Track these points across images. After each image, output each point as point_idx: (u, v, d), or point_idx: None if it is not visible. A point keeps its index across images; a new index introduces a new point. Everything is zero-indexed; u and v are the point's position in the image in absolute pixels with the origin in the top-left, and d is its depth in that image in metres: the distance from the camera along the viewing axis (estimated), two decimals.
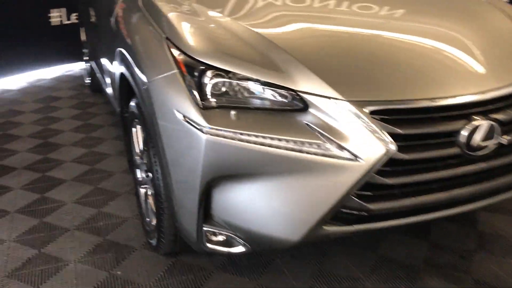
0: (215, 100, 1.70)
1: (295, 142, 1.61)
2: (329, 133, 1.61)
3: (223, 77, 1.73)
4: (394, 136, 1.62)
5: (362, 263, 2.29)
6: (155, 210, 2.16)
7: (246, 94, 1.72)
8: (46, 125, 3.97)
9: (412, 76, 1.75)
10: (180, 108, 1.72)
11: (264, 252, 2.32)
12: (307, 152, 1.60)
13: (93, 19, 3.49)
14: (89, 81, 4.67)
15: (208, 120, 1.65)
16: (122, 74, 2.33)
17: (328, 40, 1.93)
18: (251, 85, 1.72)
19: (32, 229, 2.59)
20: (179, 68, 1.78)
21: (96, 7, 3.39)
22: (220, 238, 1.84)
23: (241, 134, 1.62)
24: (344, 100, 1.63)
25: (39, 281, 2.20)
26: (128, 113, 2.41)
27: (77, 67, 5.44)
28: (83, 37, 4.65)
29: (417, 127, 1.66)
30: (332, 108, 1.63)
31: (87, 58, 4.59)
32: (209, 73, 1.73)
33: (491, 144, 1.73)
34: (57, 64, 5.42)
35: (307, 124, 1.64)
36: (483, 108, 1.73)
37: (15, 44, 4.99)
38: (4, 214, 2.74)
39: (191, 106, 1.69)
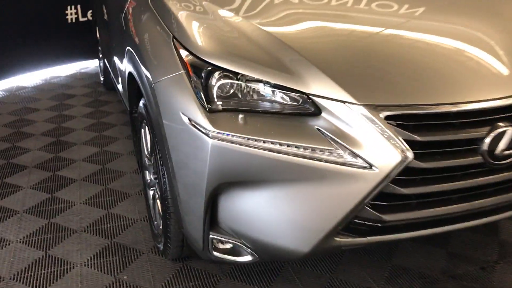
0: (222, 103, 1.63)
1: (305, 148, 1.52)
2: (342, 139, 1.52)
3: (231, 78, 1.65)
4: (411, 143, 1.52)
5: (376, 273, 2.20)
6: (161, 214, 2.10)
7: (254, 97, 1.64)
8: (59, 123, 3.94)
9: (432, 79, 1.64)
10: (186, 110, 1.65)
11: (273, 261, 2.24)
12: (318, 159, 1.51)
13: (105, 16, 3.45)
14: (103, 79, 4.64)
15: (214, 124, 1.58)
16: (130, 74, 2.27)
17: (342, 40, 1.84)
18: (260, 88, 1.64)
19: (40, 230, 2.55)
20: (185, 68, 1.71)
21: (108, 5, 3.35)
22: (227, 246, 1.77)
23: (249, 139, 1.55)
24: (358, 104, 1.54)
25: (44, 284, 2.16)
26: (137, 113, 2.35)
27: (92, 65, 5.42)
28: (98, 34, 4.62)
29: (436, 134, 1.56)
30: (345, 113, 1.54)
31: (101, 55, 4.56)
32: (216, 75, 1.65)
33: None
34: (72, 61, 5.40)
35: (318, 129, 1.55)
36: (508, 114, 1.61)
37: (30, 41, 4.98)
38: (13, 214, 2.71)
39: (197, 109, 1.62)
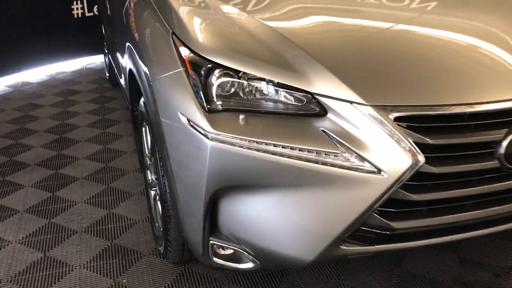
0: (222, 102, 1.55)
1: (310, 151, 1.44)
2: (349, 142, 1.44)
3: (232, 77, 1.57)
4: (422, 146, 1.43)
5: (384, 279, 2.11)
6: (161, 217, 2.03)
7: (256, 96, 1.56)
8: (63, 120, 3.89)
9: (444, 77, 1.55)
10: (184, 110, 1.57)
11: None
12: (323, 163, 1.43)
13: (108, 11, 3.38)
14: (108, 75, 4.58)
15: (213, 125, 1.50)
16: (130, 70, 2.19)
17: (350, 36, 1.74)
18: (263, 87, 1.56)
19: (40, 230, 2.50)
20: (184, 66, 1.62)
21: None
22: (228, 252, 1.69)
23: (250, 141, 1.46)
24: (366, 105, 1.45)
25: (41, 287, 2.11)
26: (138, 111, 2.28)
27: (98, 60, 5.36)
28: (103, 30, 4.56)
29: (449, 137, 1.46)
30: (352, 114, 1.45)
31: (106, 51, 4.50)
32: (216, 73, 1.57)
33: None
34: (78, 57, 5.34)
35: (323, 131, 1.46)
36: None
37: (36, 37, 4.93)
38: (13, 213, 2.65)
39: (195, 108, 1.54)
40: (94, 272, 2.19)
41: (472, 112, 1.48)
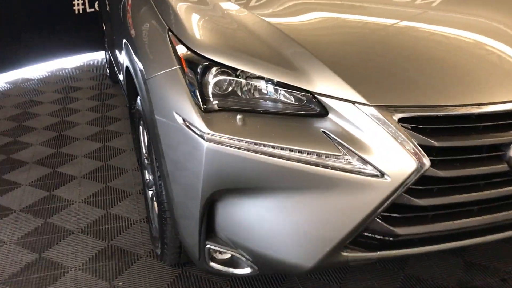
0: (219, 102, 1.49)
1: (310, 153, 1.38)
2: (350, 143, 1.37)
3: (229, 75, 1.51)
4: (427, 149, 1.36)
5: (387, 283, 2.05)
6: (157, 218, 1.97)
7: (255, 96, 1.50)
8: (62, 117, 3.84)
9: (451, 76, 1.48)
10: (180, 109, 1.51)
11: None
12: (324, 166, 1.37)
13: (107, 7, 3.32)
14: (109, 72, 4.53)
15: (210, 125, 1.44)
16: (127, 68, 2.13)
17: (352, 33, 1.68)
18: (261, 86, 1.49)
19: (36, 230, 2.45)
20: (180, 64, 1.56)
21: None
22: (225, 256, 1.63)
23: (248, 142, 1.40)
24: (369, 105, 1.38)
25: None
26: (135, 109, 2.22)
27: (100, 57, 5.30)
28: (104, 26, 4.50)
29: (456, 139, 1.40)
30: (355, 114, 1.39)
31: (107, 47, 4.45)
32: (213, 71, 1.51)
33: None
34: (80, 53, 5.29)
35: (324, 132, 1.40)
36: None
37: (37, 33, 4.87)
38: (9, 212, 2.61)
39: (191, 108, 1.48)
40: (89, 274, 2.14)
41: (480, 113, 1.41)
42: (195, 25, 1.67)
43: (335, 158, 1.37)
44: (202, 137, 1.43)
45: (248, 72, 1.49)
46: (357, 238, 1.44)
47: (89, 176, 2.96)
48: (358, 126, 1.38)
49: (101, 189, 2.81)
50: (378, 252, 1.46)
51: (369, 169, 1.36)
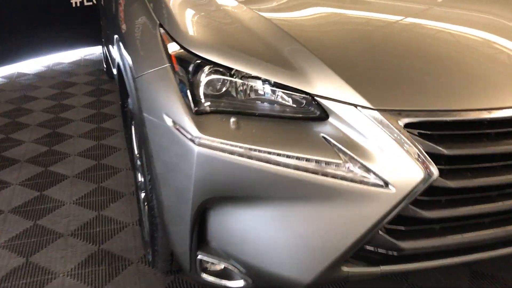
0: (211, 103, 1.38)
1: (308, 160, 1.27)
2: (352, 150, 1.27)
3: (223, 74, 1.40)
4: (436, 157, 1.26)
5: None
6: (148, 224, 1.87)
7: (250, 97, 1.39)
8: (57, 113, 3.74)
9: (461, 79, 1.37)
10: (169, 111, 1.40)
11: None
12: (323, 174, 1.26)
13: (102, 1, 3.21)
14: (106, 67, 4.42)
15: (201, 128, 1.33)
16: (118, 64, 2.03)
17: (355, 31, 1.57)
18: (257, 86, 1.39)
19: (24, 233, 2.35)
20: (171, 62, 1.46)
21: None
22: (218, 267, 1.53)
23: (242, 148, 1.30)
24: (373, 109, 1.28)
25: None
26: (127, 108, 2.12)
27: (97, 51, 5.20)
28: (101, 20, 4.39)
29: (467, 146, 1.29)
30: (357, 118, 1.29)
31: (103, 42, 4.34)
32: (206, 70, 1.40)
33: None
34: (77, 47, 5.19)
35: (324, 137, 1.30)
36: None
37: (33, 26, 4.77)
38: None
39: (182, 109, 1.38)
40: (78, 281, 2.04)
41: (493, 119, 1.30)
42: (188, 21, 1.56)
43: (335, 165, 1.27)
44: (193, 141, 1.33)
45: (243, 72, 1.39)
46: (358, 252, 1.33)
47: (82, 175, 2.86)
48: (360, 131, 1.28)
49: (94, 189, 2.72)
50: (381, 267, 1.36)
51: (372, 178, 1.25)
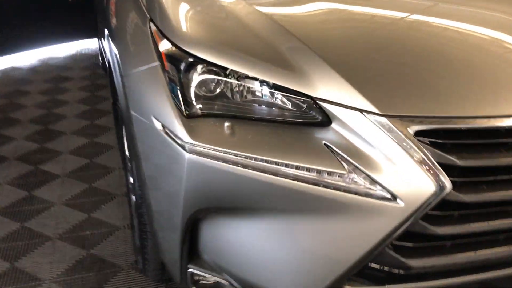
0: (204, 105, 1.28)
1: (309, 170, 1.17)
2: (357, 159, 1.16)
3: (217, 74, 1.29)
4: (448, 168, 1.15)
5: None
6: (138, 231, 1.76)
7: (247, 99, 1.28)
8: (50, 109, 3.63)
9: (478, 83, 1.26)
10: (158, 114, 1.30)
11: None
12: (325, 186, 1.16)
13: None
14: (101, 61, 4.30)
15: (192, 134, 1.22)
16: (108, 61, 1.92)
17: (361, 29, 1.46)
18: (255, 88, 1.28)
19: (10, 236, 2.25)
20: (161, 60, 1.35)
21: None
22: (210, 281, 1.43)
23: (237, 155, 1.19)
24: (380, 115, 1.17)
25: None
26: (118, 106, 2.01)
27: (94, 45, 5.07)
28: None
29: (482, 157, 1.18)
30: (363, 125, 1.18)
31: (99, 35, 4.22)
32: (198, 69, 1.29)
33: None
34: (73, 40, 5.06)
35: (326, 145, 1.19)
36: None
37: (28, 18, 4.65)
38: None
39: (172, 112, 1.27)
40: None
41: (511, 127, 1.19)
42: (180, 16, 1.45)
43: (338, 176, 1.16)
44: (183, 148, 1.22)
45: (239, 72, 1.28)
46: (362, 269, 1.23)
47: (73, 174, 2.75)
48: (366, 139, 1.17)
49: (85, 189, 2.61)
50: (387, 286, 1.25)
51: (378, 191, 1.15)
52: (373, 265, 1.23)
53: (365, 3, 1.65)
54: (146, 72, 1.37)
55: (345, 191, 1.15)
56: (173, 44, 1.34)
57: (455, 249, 1.23)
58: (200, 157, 1.21)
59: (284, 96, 1.26)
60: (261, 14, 1.41)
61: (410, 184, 1.14)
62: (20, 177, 2.73)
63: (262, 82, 1.27)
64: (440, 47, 1.39)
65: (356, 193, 1.15)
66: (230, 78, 1.29)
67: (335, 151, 1.18)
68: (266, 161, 1.18)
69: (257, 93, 1.28)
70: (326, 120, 1.22)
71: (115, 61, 1.61)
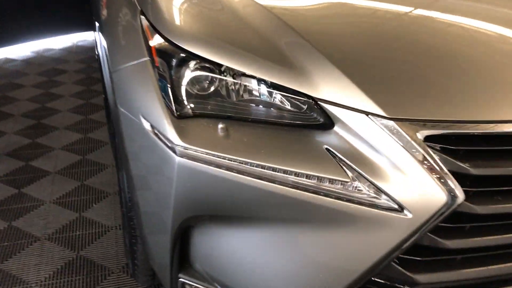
0: (197, 105, 1.18)
1: (309, 177, 1.07)
2: (361, 166, 1.07)
3: (211, 71, 1.19)
4: (461, 177, 1.06)
5: None
6: (128, 234, 1.67)
7: (242, 99, 1.19)
8: (43, 103, 3.53)
9: (493, 84, 1.17)
10: (147, 114, 1.20)
11: None
12: (326, 194, 1.06)
13: None
14: (97, 54, 4.20)
15: (183, 136, 1.13)
16: (98, 55, 1.82)
17: (367, 24, 1.36)
18: (252, 87, 1.18)
19: None
20: (151, 55, 1.25)
21: None
22: None
23: (231, 160, 1.10)
24: (387, 118, 1.07)
25: None
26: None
27: (91, 37, 4.97)
28: None
29: (497, 165, 1.09)
30: (368, 129, 1.08)
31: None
32: (191, 66, 1.20)
33: None
34: (69, 32, 4.95)
35: (328, 149, 1.10)
36: None
37: (24, 9, 4.54)
38: None
39: (161, 112, 1.17)
40: None
41: None
42: (173, 8, 1.35)
43: (340, 184, 1.07)
44: (174, 151, 1.13)
45: (235, 69, 1.18)
46: (365, 284, 1.14)
47: (65, 171, 2.66)
48: (371, 144, 1.08)
49: (76, 187, 2.52)
50: None
51: (384, 201, 1.05)
52: (378, 280, 1.13)
53: None
54: (135, 67, 1.28)
55: (348, 200, 1.06)
56: (164, 38, 1.24)
57: (466, 264, 1.14)
58: (192, 161, 1.12)
59: (283, 96, 1.16)
60: (260, 7, 1.31)
61: (419, 194, 1.04)
62: (10, 174, 2.64)
63: (260, 81, 1.18)
64: (450, 45, 1.30)
65: (360, 203, 1.06)
66: (225, 76, 1.19)
67: (337, 156, 1.09)
68: (262, 167, 1.09)
69: (254, 93, 1.19)
70: (328, 122, 1.12)
71: (104, 55, 1.51)
